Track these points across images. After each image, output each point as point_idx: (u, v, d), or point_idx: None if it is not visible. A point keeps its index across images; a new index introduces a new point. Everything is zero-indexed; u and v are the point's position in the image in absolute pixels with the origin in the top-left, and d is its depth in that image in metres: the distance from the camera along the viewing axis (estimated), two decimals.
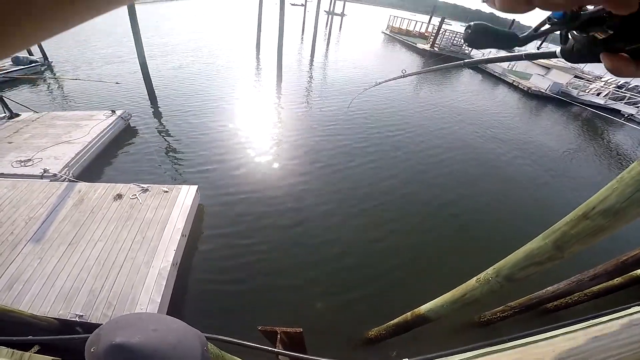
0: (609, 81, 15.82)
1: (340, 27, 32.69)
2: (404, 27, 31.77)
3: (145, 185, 4.41)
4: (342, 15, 36.09)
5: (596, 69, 19.03)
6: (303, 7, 25.40)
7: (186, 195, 4.34)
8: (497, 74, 19.20)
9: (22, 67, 10.08)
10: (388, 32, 31.69)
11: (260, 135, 7.18)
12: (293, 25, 26.44)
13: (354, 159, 6.53)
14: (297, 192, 5.32)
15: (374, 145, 7.29)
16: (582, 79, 16.96)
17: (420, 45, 23.85)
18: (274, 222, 4.61)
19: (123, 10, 8.59)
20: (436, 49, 22.22)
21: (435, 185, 6.04)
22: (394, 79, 2.71)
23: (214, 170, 5.71)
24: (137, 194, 4.25)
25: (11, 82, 9.33)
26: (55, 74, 10.46)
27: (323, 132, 7.63)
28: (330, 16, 29.05)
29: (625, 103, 14.14)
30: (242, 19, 28.97)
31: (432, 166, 6.76)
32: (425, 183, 6.08)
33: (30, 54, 11.07)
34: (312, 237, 4.43)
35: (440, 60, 18.77)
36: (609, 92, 14.70)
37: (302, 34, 23.81)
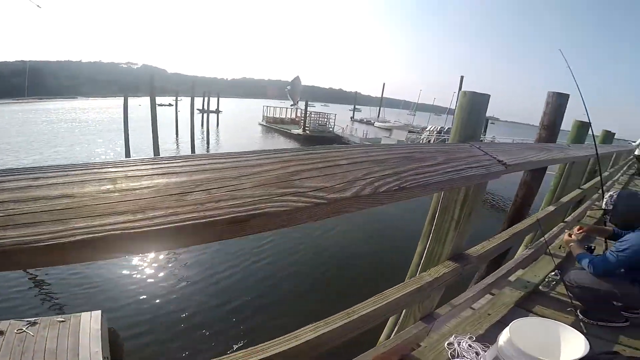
0: (431, 129, 22.10)
1: (218, 124, 34.45)
2: (277, 115, 36.07)
3: (31, 319, 3.82)
4: (217, 112, 38.42)
5: (422, 122, 25.91)
6: (173, 107, 25.92)
7: (91, 321, 3.96)
8: (355, 143, 23.64)
9: None
10: (264, 123, 35.20)
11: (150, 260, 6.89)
12: (166, 127, 26.75)
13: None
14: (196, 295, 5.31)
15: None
16: (414, 132, 23.36)
17: (295, 131, 27.41)
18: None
19: None
20: (307, 131, 25.96)
21: None
22: None
23: (109, 292, 5.31)
24: (25, 328, 3.65)
25: None
26: None
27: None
28: (205, 114, 30.71)
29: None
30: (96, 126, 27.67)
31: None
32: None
33: None
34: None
35: (314, 141, 22.06)
36: (434, 137, 20.24)
37: (177, 136, 24.09)
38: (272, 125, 32.89)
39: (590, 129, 4.31)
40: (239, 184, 0.43)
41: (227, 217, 0.38)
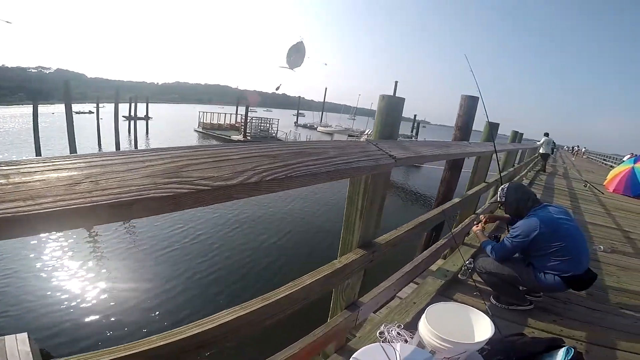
0: (368, 133, 23.63)
1: (147, 132, 32.11)
2: (215, 121, 34.76)
3: None
4: (146, 119, 35.72)
5: (362, 125, 27.39)
6: (94, 115, 23.39)
7: (17, 344, 3.45)
8: None
9: None
10: (201, 130, 33.64)
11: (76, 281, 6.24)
12: (86, 136, 24.05)
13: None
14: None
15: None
16: (354, 135, 24.85)
17: (235, 137, 26.78)
18: None
19: None
20: (248, 137, 25.57)
21: None
22: None
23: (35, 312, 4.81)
24: None
25: None
26: None
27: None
28: (132, 122, 28.44)
29: None
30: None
31: None
32: None
33: None
34: None
35: None
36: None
37: (99, 146, 21.77)
38: (210, 132, 31.71)
39: (488, 126, 5.01)
40: (126, 176, 0.50)
41: (112, 202, 0.45)
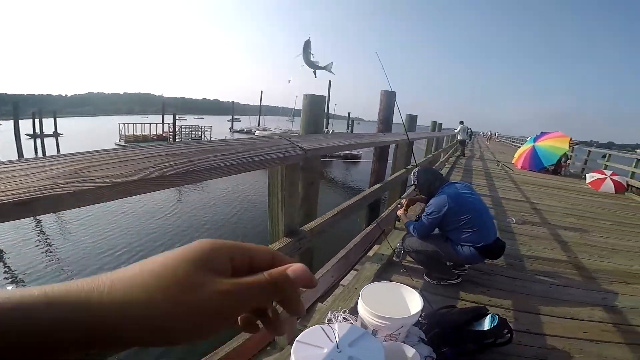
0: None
1: (58, 150, 28.27)
2: (139, 132, 32.13)
3: None
4: (55, 135, 31.55)
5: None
6: None
7: None
8: None
9: None
10: (123, 143, 30.82)
11: None
12: None
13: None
14: None
15: None
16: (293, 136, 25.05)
17: None
18: None
19: None
20: None
21: None
22: None
23: None
24: None
25: None
26: None
27: None
28: (38, 139, 25.04)
29: None
30: None
31: None
32: None
33: None
34: None
35: None
36: None
37: None
38: (135, 145, 28.98)
39: (408, 117, 5.49)
40: (26, 180, 0.56)
41: (13, 200, 0.51)
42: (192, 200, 10.65)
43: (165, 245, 7.17)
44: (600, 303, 2.54)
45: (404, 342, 1.48)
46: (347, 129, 37.98)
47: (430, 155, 6.59)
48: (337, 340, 1.27)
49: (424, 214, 2.46)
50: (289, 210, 1.52)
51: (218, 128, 33.92)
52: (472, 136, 23.99)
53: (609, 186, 8.11)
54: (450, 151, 12.82)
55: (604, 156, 10.92)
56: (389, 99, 6.23)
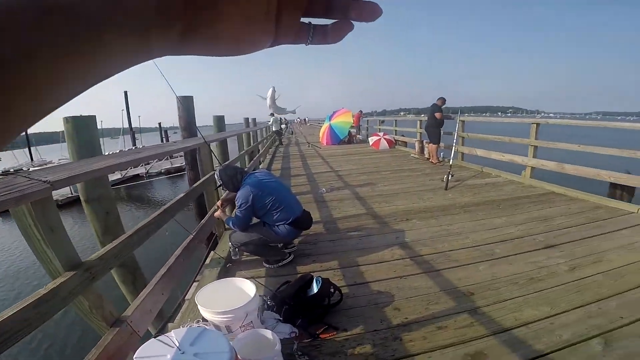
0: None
1: None
2: None
3: None
4: None
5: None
6: None
7: None
8: None
9: None
10: None
11: None
12: None
13: None
14: None
15: None
16: None
17: None
18: None
19: None
20: None
21: None
22: None
23: None
24: None
25: None
26: None
27: None
28: None
29: None
30: None
31: None
32: None
33: None
34: None
35: None
36: None
37: None
38: None
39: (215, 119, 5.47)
40: None
41: None
42: None
43: None
44: (395, 242, 2.99)
45: (263, 328, 1.62)
46: (162, 140, 34.41)
47: (244, 151, 6.87)
48: (177, 344, 1.25)
49: (236, 207, 2.56)
50: (58, 246, 1.34)
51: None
52: (287, 125, 26.27)
53: (384, 145, 10.68)
54: (269, 142, 13.71)
55: (381, 122, 14.45)
56: (187, 104, 6.07)
